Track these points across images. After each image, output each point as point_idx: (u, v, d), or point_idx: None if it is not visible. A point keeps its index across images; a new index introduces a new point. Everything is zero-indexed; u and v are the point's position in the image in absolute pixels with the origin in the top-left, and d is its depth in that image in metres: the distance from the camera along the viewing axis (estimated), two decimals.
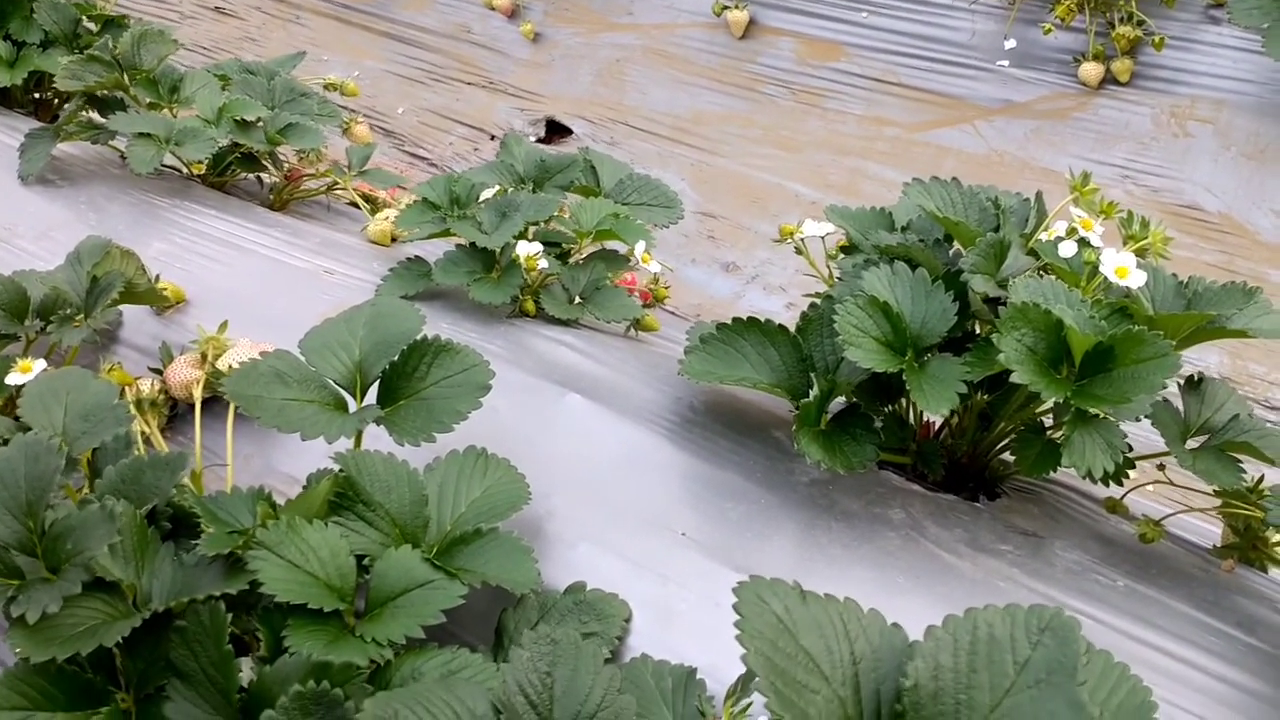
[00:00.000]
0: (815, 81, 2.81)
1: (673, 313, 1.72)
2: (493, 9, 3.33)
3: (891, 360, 1.12)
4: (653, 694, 0.95)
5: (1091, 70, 2.47)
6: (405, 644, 0.98)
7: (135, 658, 0.96)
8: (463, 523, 1.08)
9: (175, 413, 1.38)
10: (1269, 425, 1.18)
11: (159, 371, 1.37)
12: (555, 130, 3.03)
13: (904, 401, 1.28)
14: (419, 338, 1.17)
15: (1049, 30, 2.51)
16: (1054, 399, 1.08)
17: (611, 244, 1.58)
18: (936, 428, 1.31)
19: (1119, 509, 1.21)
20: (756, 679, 0.71)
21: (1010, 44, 2.60)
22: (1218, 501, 1.17)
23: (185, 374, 1.34)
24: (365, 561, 1.03)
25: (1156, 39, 2.42)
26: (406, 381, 1.15)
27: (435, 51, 3.39)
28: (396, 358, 1.16)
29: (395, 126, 3.24)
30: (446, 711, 0.81)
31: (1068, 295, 1.13)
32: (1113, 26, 2.47)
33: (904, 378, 1.11)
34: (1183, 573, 1.13)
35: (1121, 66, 2.45)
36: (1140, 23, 2.45)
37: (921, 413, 1.28)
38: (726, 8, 2.93)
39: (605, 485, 1.19)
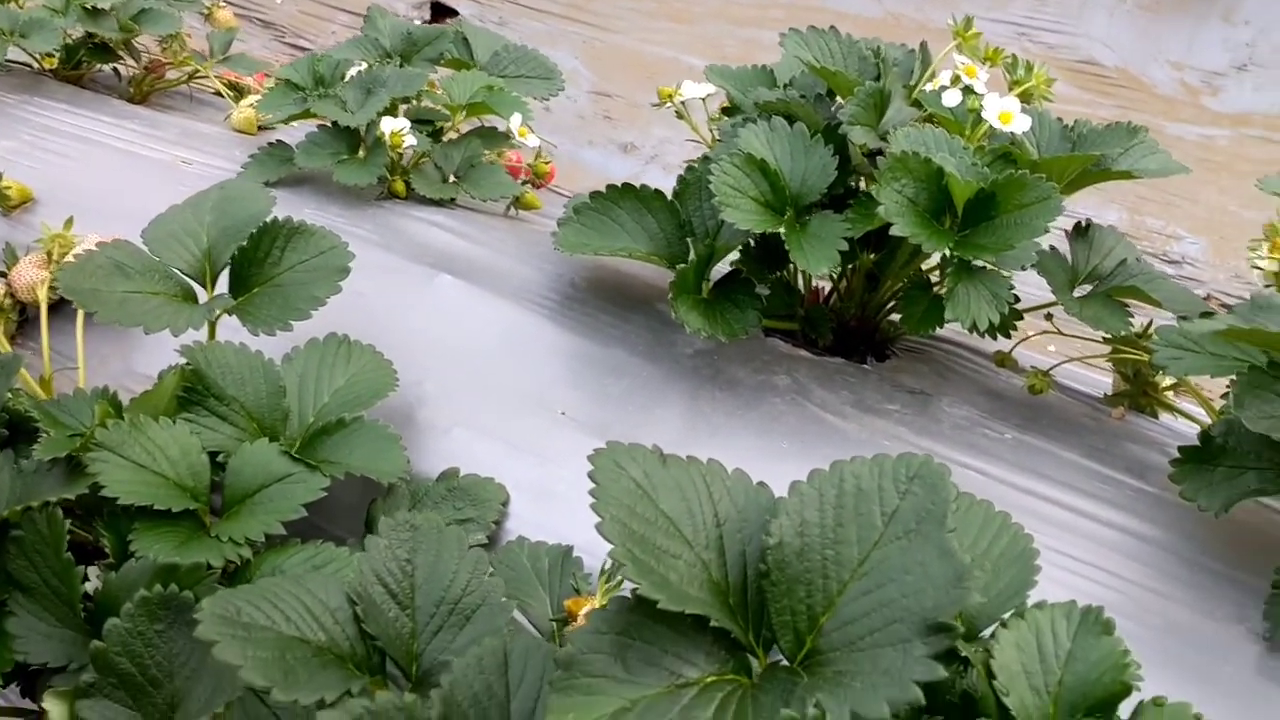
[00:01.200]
0: None
1: (559, 192, 1.65)
2: None
3: (770, 220, 1.07)
4: (528, 574, 0.91)
5: None
6: (266, 542, 0.92)
7: None
8: (326, 413, 1.03)
9: (25, 318, 1.29)
10: (1158, 270, 1.15)
11: (3, 274, 1.28)
12: (441, 12, 2.91)
13: (791, 267, 1.23)
14: (269, 220, 1.09)
15: None
16: (937, 251, 1.04)
17: (491, 120, 1.51)
18: (826, 293, 1.27)
19: (1008, 362, 1.18)
20: (613, 547, 0.66)
21: None
22: (1108, 350, 1.15)
23: (30, 275, 1.25)
24: (221, 459, 0.97)
25: None
26: (259, 268, 1.08)
27: None
28: (246, 243, 1.08)
29: (274, 17, 3.08)
30: (295, 606, 0.76)
31: (950, 144, 1.08)
32: None
33: (783, 238, 1.06)
34: (1073, 423, 1.11)
35: None
36: None
37: (810, 278, 1.24)
38: None
39: (481, 368, 1.13)
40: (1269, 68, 2.03)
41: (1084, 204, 1.98)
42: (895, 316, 1.24)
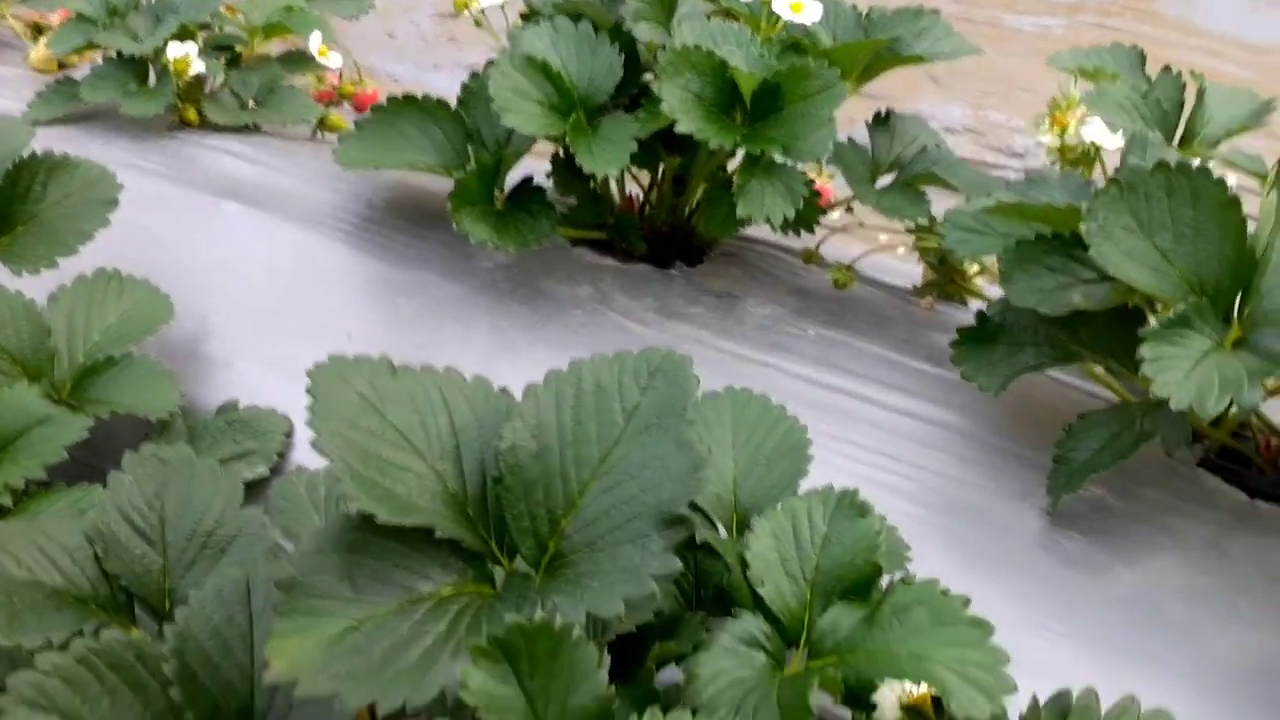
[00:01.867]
0: None
1: None
2: None
3: (555, 124, 1.04)
4: (304, 504, 0.87)
5: None
6: (29, 489, 0.88)
7: None
8: (96, 352, 0.98)
9: None
10: (957, 156, 1.14)
11: None
12: None
13: (600, 175, 1.20)
14: (28, 155, 1.03)
15: None
16: (723, 145, 1.01)
17: (301, 44, 1.45)
18: (640, 201, 1.24)
19: (815, 259, 1.16)
20: (332, 463, 0.63)
21: None
22: (911, 240, 1.14)
23: None
24: None
25: None
26: (20, 205, 1.02)
27: None
28: (2, 180, 1.02)
29: None
30: (27, 548, 0.72)
31: (737, 35, 1.05)
32: None
33: (566, 140, 1.03)
34: (879, 315, 1.10)
35: None
36: None
37: (622, 186, 1.21)
38: None
39: (269, 298, 1.09)
40: None
41: (927, 100, 1.97)
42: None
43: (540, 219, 1.06)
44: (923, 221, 1.09)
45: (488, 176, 1.05)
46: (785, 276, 1.15)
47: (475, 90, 1.10)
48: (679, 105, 0.99)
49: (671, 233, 1.21)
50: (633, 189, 1.24)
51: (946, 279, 1.14)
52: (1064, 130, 0.95)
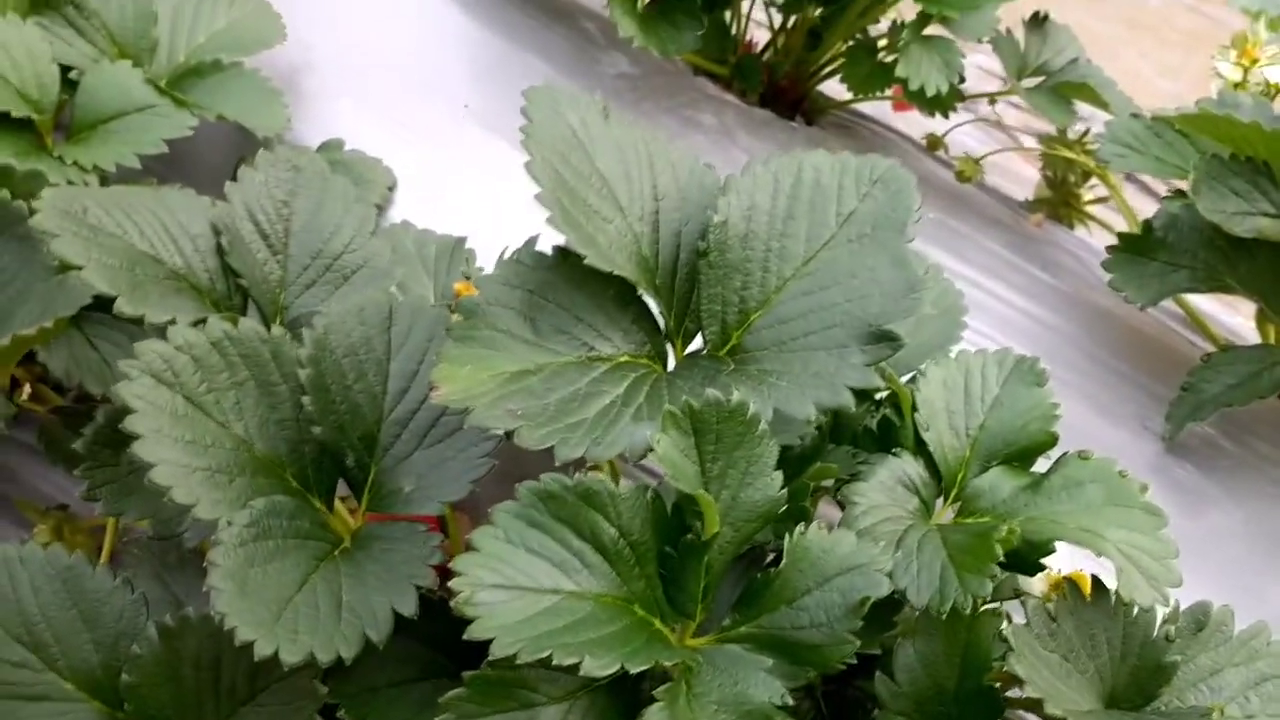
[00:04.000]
0: None
1: None
2: None
3: None
4: (412, 258, 0.82)
5: None
6: (115, 177, 0.81)
7: None
8: (200, 53, 0.90)
9: None
10: (1107, 75, 1.10)
11: None
12: None
13: (728, 12, 1.14)
14: None
15: None
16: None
17: None
18: (761, 46, 1.18)
19: (939, 146, 1.12)
20: (542, 192, 0.58)
21: None
22: (1035, 151, 1.10)
23: None
24: (73, 77, 0.84)
25: None
26: None
27: None
28: None
29: None
30: (151, 221, 0.66)
31: None
32: None
33: None
34: (993, 218, 1.07)
35: None
36: None
37: (745, 27, 1.15)
38: None
39: (381, 44, 1.01)
40: None
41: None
42: (828, 88, 1.16)
43: (684, 30, 1.00)
44: (1064, 128, 1.05)
45: None
46: (903, 158, 1.11)
47: None
48: None
49: (789, 86, 1.16)
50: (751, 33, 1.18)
51: (1061, 200, 1.11)
52: (1252, 64, 0.92)
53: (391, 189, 0.91)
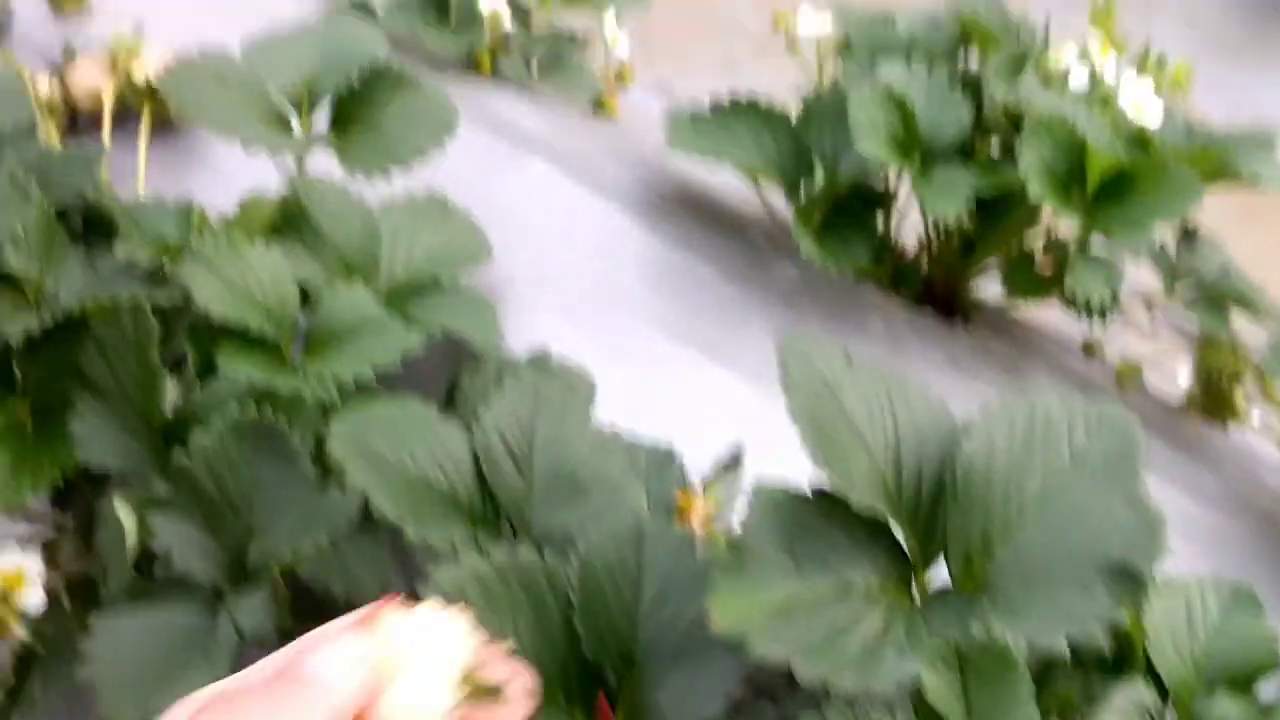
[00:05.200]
0: None
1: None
2: None
3: (900, 159, 1.04)
4: (626, 468, 0.86)
5: None
6: (349, 390, 0.87)
7: (36, 363, 0.83)
8: (417, 270, 0.97)
9: (74, 123, 1.21)
10: (1258, 284, 1.14)
11: (58, 75, 1.19)
12: None
13: (885, 217, 1.20)
14: (380, 62, 1.03)
15: None
16: (1068, 218, 1.01)
17: (576, 24, 1.45)
18: (913, 252, 1.24)
19: (1096, 350, 1.17)
20: (801, 433, 0.63)
21: None
22: (1194, 350, 1.14)
23: (91, 78, 1.17)
24: (307, 295, 0.91)
25: None
26: (363, 108, 1.02)
27: None
28: (355, 80, 1.02)
29: None
30: (422, 447, 0.71)
31: (1089, 116, 1.06)
32: None
33: (913, 178, 1.03)
34: (1153, 421, 1.10)
35: None
36: None
37: (897, 233, 1.22)
38: None
39: (570, 258, 1.09)
40: None
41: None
42: (982, 289, 1.21)
43: (857, 247, 1.07)
44: (1220, 335, 1.09)
45: (824, 194, 1.06)
46: (1059, 358, 1.15)
47: (815, 109, 1.10)
48: (1033, 169, 1.00)
49: (943, 292, 1.21)
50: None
51: (1213, 402, 1.14)
52: None
53: (591, 396, 0.97)
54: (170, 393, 0.82)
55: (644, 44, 2.48)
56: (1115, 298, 1.08)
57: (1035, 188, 0.99)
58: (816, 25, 1.27)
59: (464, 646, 0.48)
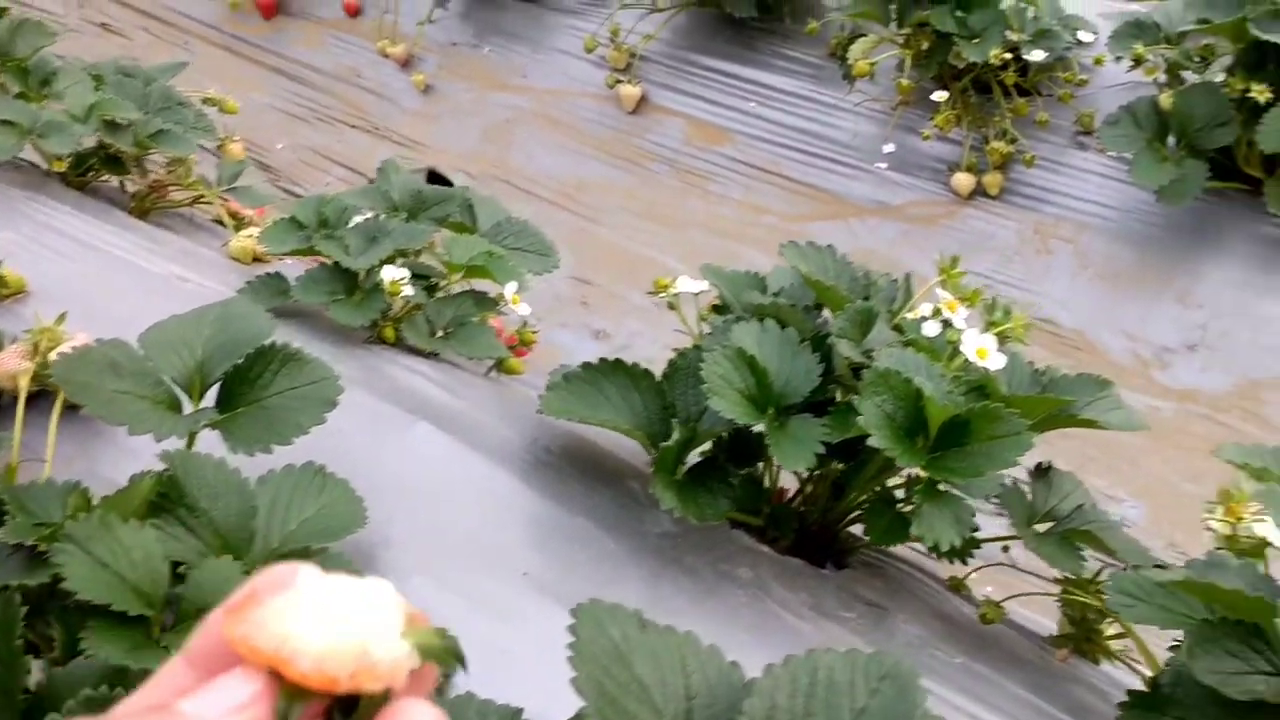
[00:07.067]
0: (700, 164, 2.84)
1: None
2: (387, 56, 3.30)
3: (753, 414, 1.11)
4: None
5: (963, 181, 2.55)
6: None
7: None
8: (292, 540, 1.02)
9: None
10: (1111, 518, 1.20)
11: None
12: (436, 181, 3.00)
13: (760, 465, 1.27)
14: (267, 344, 1.11)
15: (927, 137, 2.58)
16: (909, 467, 1.08)
17: (482, 287, 1.55)
18: (790, 494, 1.30)
19: (961, 588, 1.21)
20: (588, 705, 0.67)
21: (889, 148, 2.68)
22: (1054, 589, 1.18)
23: (13, 363, 1.25)
24: (180, 570, 0.96)
25: (1027, 157, 2.51)
26: (249, 388, 1.09)
27: (322, 91, 3.34)
28: (241, 361, 1.10)
29: (273, 161, 3.17)
30: None
31: (929, 368, 1.14)
32: (987, 141, 2.56)
33: (764, 433, 1.10)
34: (1018, 657, 1.14)
35: (992, 180, 2.53)
36: (1013, 140, 2.54)
37: (776, 477, 1.27)
38: (620, 81, 2.95)
39: (448, 519, 1.14)
40: (1216, 351, 2.15)
41: (1032, 453, 2.04)
42: (854, 529, 1.27)
43: (719, 497, 1.12)
44: (1076, 575, 1.13)
45: (682, 449, 1.12)
46: (928, 598, 1.19)
47: (680, 368, 1.18)
48: (874, 421, 1.06)
49: (820, 531, 1.27)
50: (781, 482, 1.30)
51: (1083, 636, 1.18)
52: (1237, 521, 1.01)
53: (461, 660, 1.00)
54: (36, 673, 0.86)
55: (579, 289, 2.62)
56: (972, 539, 1.12)
57: (878, 438, 1.06)
58: (694, 285, 1.36)
59: (397, 604, 0.49)
